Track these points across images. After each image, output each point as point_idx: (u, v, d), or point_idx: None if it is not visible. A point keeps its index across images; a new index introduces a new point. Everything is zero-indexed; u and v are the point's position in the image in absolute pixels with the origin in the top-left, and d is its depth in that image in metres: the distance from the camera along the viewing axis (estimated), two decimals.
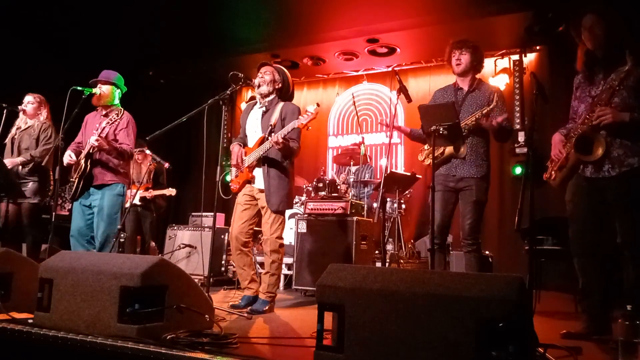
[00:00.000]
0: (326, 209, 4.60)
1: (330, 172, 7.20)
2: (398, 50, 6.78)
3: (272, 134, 3.38)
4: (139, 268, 2.18)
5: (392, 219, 5.55)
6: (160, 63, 7.46)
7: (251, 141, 3.61)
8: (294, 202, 5.73)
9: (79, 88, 3.79)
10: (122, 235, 5.21)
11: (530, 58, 6.53)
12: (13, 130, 4.55)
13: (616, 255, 2.66)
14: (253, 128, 3.62)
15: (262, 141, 3.48)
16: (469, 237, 3.25)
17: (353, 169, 6.00)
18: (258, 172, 3.51)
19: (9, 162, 4.29)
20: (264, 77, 3.57)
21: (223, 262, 5.32)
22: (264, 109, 3.59)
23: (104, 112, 3.96)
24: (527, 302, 1.74)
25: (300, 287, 4.50)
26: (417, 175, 5.06)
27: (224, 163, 4.78)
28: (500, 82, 6.48)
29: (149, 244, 5.86)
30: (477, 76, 3.46)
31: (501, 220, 6.14)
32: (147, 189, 5.66)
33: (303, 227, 4.57)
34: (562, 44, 5.39)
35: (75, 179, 3.80)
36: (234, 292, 4.28)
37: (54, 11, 5.97)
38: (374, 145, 7.39)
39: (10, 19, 6.00)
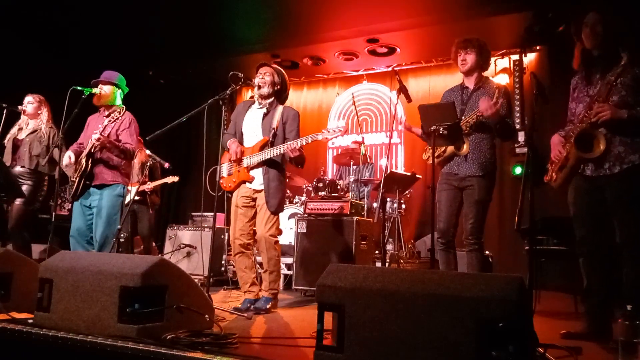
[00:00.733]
0: (326, 209, 4.60)
1: (331, 175, 7.18)
2: (398, 50, 6.78)
3: (276, 138, 3.41)
4: (139, 268, 2.18)
5: (392, 219, 5.55)
6: (160, 63, 7.46)
7: (249, 141, 3.59)
8: (294, 202, 5.75)
9: (79, 88, 3.79)
10: (121, 235, 5.18)
11: (530, 58, 6.53)
12: (14, 130, 4.54)
13: (615, 255, 2.66)
14: (252, 129, 3.59)
15: (264, 143, 3.48)
16: (470, 236, 3.25)
17: (353, 168, 6.00)
18: (256, 173, 3.51)
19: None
20: (265, 79, 3.56)
21: (223, 262, 5.31)
22: (264, 110, 3.57)
23: (106, 113, 3.96)
24: (527, 302, 1.74)
25: (300, 287, 4.49)
26: (417, 175, 5.07)
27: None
28: (500, 82, 6.45)
29: (150, 245, 5.83)
30: (484, 74, 3.46)
31: (501, 220, 6.14)
32: (144, 183, 5.57)
33: (303, 227, 4.57)
34: (562, 44, 5.37)
35: (76, 178, 3.80)
36: (235, 293, 4.28)
37: (54, 11, 5.97)
38: (374, 145, 7.38)
39: (10, 19, 6.00)
